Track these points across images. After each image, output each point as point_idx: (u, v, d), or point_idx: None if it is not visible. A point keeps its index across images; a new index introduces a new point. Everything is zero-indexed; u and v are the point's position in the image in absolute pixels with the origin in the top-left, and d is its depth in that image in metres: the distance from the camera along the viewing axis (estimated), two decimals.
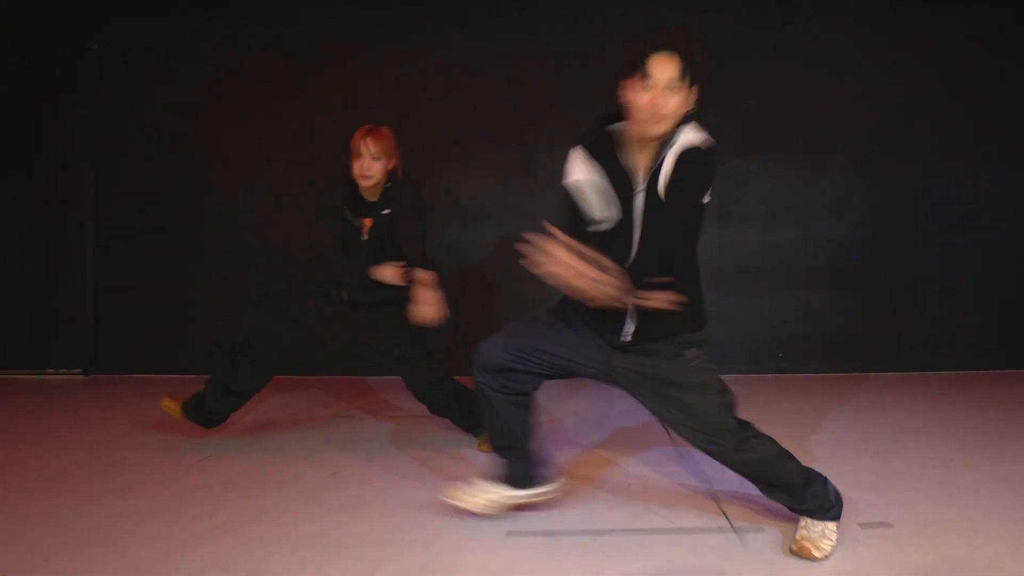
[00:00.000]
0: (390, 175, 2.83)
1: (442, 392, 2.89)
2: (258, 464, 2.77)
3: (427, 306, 2.71)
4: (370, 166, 2.76)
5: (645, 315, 1.92)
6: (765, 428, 2.05)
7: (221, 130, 4.66)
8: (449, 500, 2.22)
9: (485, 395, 2.11)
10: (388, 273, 2.80)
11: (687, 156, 1.84)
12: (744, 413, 2.02)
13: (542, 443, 2.27)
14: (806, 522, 2.00)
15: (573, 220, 1.95)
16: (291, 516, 2.25)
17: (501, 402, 2.10)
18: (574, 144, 2.00)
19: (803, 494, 1.99)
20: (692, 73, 1.86)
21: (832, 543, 1.96)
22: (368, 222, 2.84)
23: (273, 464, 2.77)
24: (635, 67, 1.85)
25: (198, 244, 4.69)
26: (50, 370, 4.62)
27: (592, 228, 1.95)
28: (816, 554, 1.93)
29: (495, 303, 4.61)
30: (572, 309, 2.05)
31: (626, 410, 3.56)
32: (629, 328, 1.98)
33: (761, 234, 4.61)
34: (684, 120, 1.90)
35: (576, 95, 4.46)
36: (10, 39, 4.63)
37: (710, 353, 2.07)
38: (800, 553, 1.95)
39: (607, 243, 1.87)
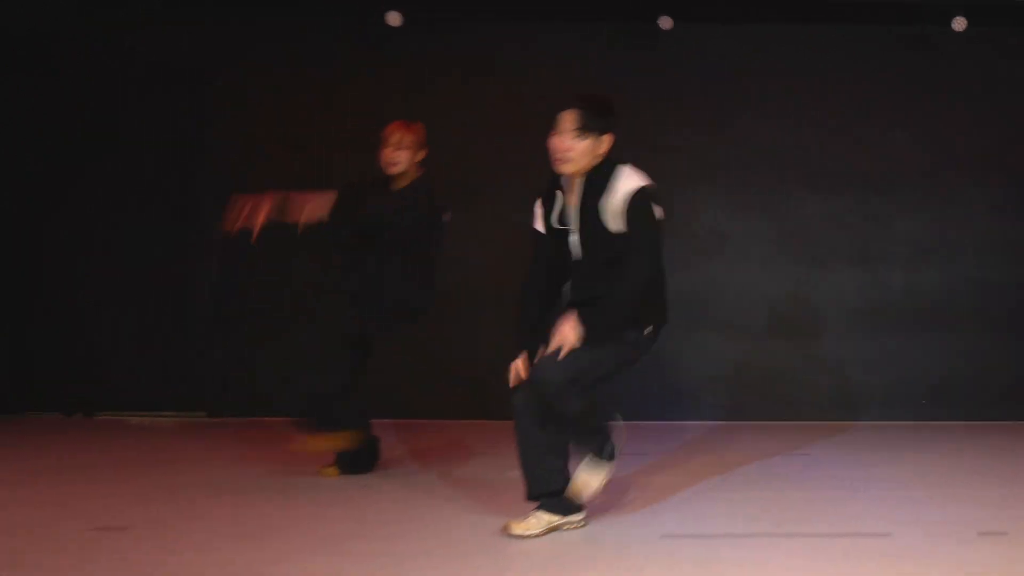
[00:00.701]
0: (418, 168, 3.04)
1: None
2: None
3: None
4: (395, 155, 2.97)
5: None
6: None
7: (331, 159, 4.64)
8: (514, 531, 2.29)
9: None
10: None
11: (635, 198, 2.24)
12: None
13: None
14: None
15: (552, 256, 2.41)
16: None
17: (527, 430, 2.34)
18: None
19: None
20: (595, 126, 2.26)
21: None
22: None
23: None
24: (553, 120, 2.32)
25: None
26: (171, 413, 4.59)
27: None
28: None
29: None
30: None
31: None
32: None
33: (904, 274, 4.53)
34: (612, 163, 2.30)
35: None
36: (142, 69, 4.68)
37: None
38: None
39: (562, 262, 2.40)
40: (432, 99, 4.58)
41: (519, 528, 2.27)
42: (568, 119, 2.28)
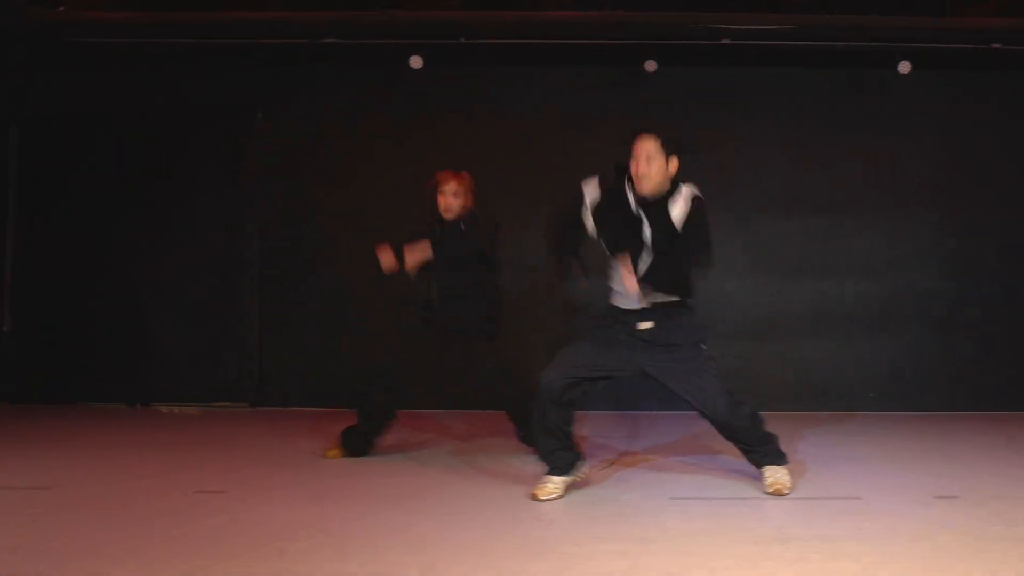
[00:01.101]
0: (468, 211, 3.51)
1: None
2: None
3: None
4: (449, 202, 3.47)
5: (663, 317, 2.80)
6: None
7: (362, 184, 5.28)
8: (539, 496, 2.82)
9: (545, 413, 2.82)
10: None
11: (696, 203, 2.78)
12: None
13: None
14: (771, 469, 2.91)
15: (571, 226, 2.91)
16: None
17: (558, 415, 2.83)
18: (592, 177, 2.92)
19: (766, 446, 2.94)
20: (668, 150, 2.78)
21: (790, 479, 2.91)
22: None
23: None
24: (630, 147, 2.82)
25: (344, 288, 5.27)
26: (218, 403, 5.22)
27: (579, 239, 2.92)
28: (786, 491, 2.85)
29: None
30: (602, 324, 2.91)
31: None
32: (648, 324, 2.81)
33: (857, 284, 5.14)
34: (677, 182, 2.82)
35: None
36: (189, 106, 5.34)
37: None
38: (777, 492, 2.85)
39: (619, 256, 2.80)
40: (441, 133, 5.22)
41: (543, 493, 2.82)
42: (646, 146, 2.78)
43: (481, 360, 3.51)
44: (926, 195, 5.19)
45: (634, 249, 2.78)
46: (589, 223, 2.89)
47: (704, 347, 2.91)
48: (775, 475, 2.92)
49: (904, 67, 5.08)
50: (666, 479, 3.26)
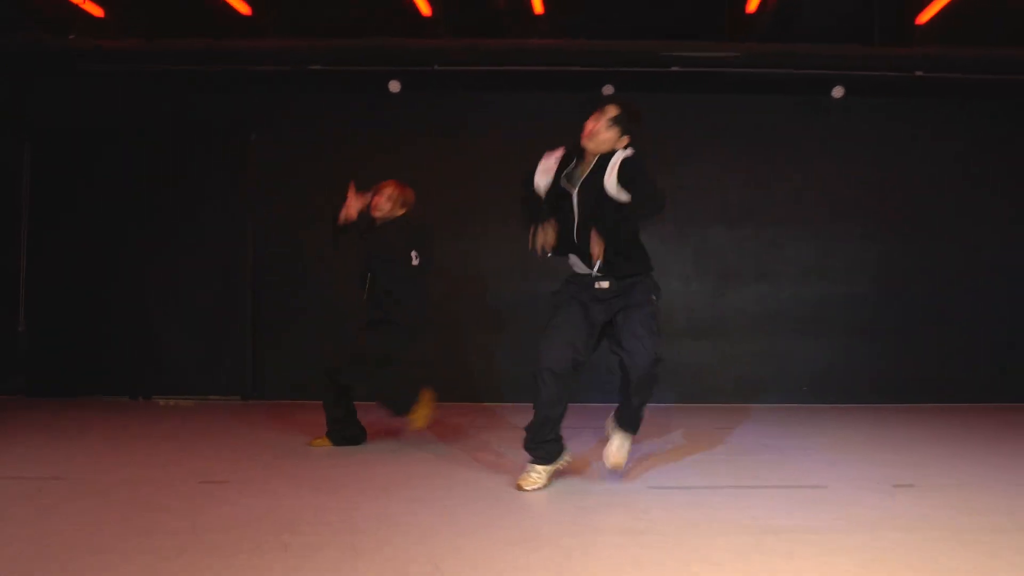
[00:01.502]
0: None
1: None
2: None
3: None
4: (382, 203, 3.90)
5: (609, 266, 2.92)
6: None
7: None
8: (524, 487, 2.93)
9: (553, 399, 2.91)
10: None
11: (626, 160, 2.90)
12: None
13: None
14: (621, 437, 3.06)
15: (531, 195, 3.10)
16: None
17: (557, 398, 2.91)
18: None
19: (639, 411, 3.06)
20: (623, 125, 2.95)
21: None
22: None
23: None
24: (597, 107, 2.99)
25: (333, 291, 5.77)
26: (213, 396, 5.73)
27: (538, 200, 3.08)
28: (622, 468, 3.09)
29: None
30: (569, 286, 3.07)
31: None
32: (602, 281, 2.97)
33: (792, 288, 5.69)
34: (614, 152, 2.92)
35: None
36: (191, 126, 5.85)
37: None
38: (615, 467, 3.06)
39: (560, 215, 2.97)
40: (417, 151, 5.73)
41: (527, 483, 2.92)
42: (609, 109, 2.94)
43: (397, 351, 3.85)
44: (854, 208, 5.74)
45: (565, 213, 2.96)
46: (540, 189, 3.08)
47: (654, 298, 3.03)
48: (621, 448, 3.06)
49: (837, 92, 5.61)
50: (640, 468, 3.39)
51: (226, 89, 5.83)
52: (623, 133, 2.97)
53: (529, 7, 5.12)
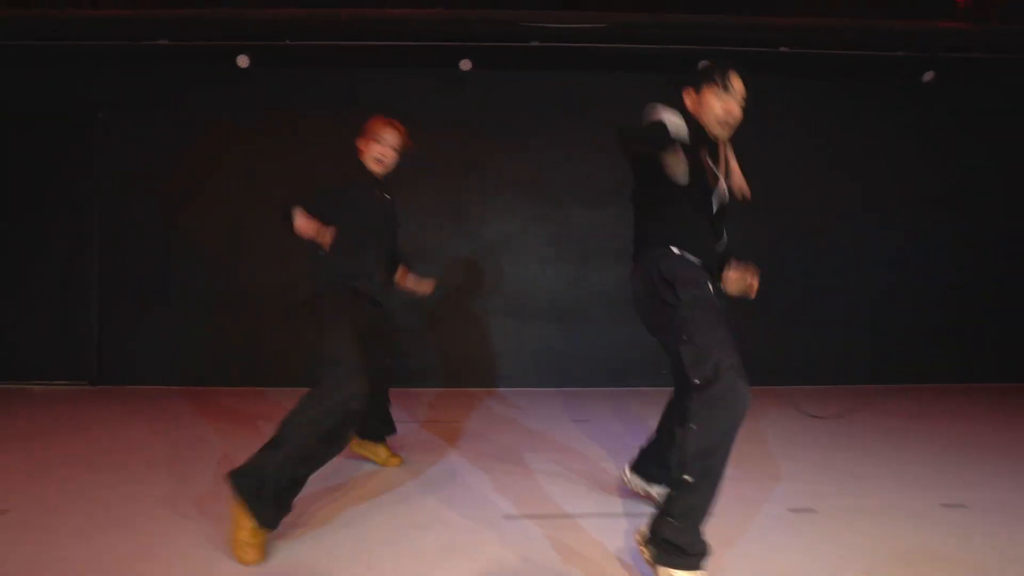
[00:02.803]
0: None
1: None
2: None
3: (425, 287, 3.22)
4: (386, 153, 3.01)
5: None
6: None
7: (203, 176, 5.60)
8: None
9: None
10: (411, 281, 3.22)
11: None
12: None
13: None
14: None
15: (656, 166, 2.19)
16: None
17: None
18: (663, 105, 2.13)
19: None
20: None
21: None
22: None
23: None
24: (715, 77, 2.25)
25: (192, 274, 5.59)
26: (61, 381, 5.52)
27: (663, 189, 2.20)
28: None
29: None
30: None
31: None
32: None
33: None
34: None
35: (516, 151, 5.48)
36: (33, 105, 5.58)
37: None
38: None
39: (689, 214, 2.23)
40: (270, 128, 5.56)
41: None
42: (743, 86, 2.27)
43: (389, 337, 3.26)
44: None
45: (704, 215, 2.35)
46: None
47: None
48: None
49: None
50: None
51: (71, 64, 5.56)
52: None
53: None
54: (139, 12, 5.21)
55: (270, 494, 2.27)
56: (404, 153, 3.11)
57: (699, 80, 2.33)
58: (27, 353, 5.54)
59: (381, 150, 3.01)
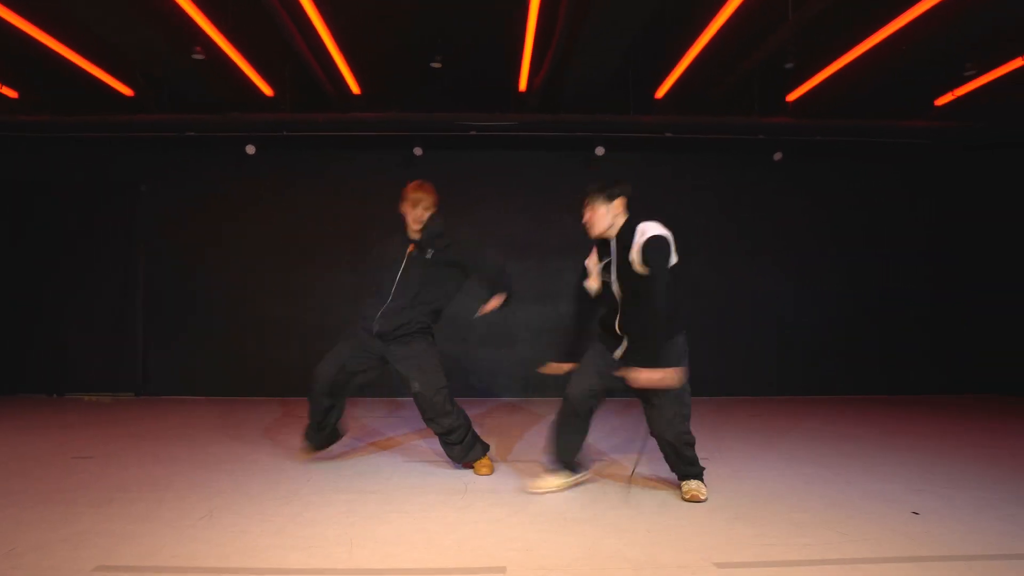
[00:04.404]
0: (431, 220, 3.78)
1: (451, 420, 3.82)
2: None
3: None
4: (416, 215, 3.73)
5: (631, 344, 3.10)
6: None
7: (221, 231, 7.33)
8: (536, 489, 3.38)
9: (567, 426, 3.30)
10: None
11: (649, 243, 2.94)
12: None
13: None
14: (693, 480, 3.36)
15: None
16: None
17: (578, 428, 3.31)
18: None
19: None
20: (607, 196, 3.10)
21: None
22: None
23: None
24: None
25: (213, 309, 7.31)
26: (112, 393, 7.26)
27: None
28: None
29: None
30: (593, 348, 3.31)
31: None
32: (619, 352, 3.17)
33: (567, 306, 7.18)
34: (631, 220, 3.07)
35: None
36: (91, 179, 7.39)
37: None
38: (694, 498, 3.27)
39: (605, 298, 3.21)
40: (273, 199, 7.29)
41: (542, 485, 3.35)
42: (590, 195, 3.11)
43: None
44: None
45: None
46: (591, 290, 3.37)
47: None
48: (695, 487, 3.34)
49: (599, 151, 7.08)
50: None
51: (121, 152, 7.36)
52: (611, 200, 3.11)
53: (348, 89, 6.60)
54: (171, 116, 6.99)
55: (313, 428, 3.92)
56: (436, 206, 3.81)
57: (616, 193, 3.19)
58: (85, 371, 7.29)
59: (413, 214, 3.71)
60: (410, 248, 3.78)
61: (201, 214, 7.39)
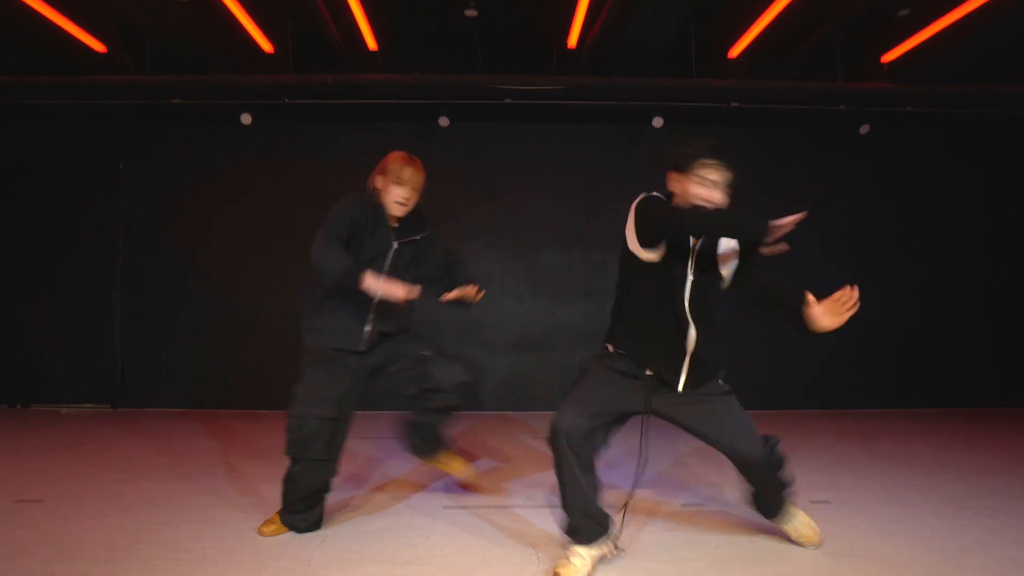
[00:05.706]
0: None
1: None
2: None
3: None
4: (409, 197, 2.82)
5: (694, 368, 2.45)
6: None
7: (212, 217, 6.30)
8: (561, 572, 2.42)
9: (567, 466, 2.44)
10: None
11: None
12: None
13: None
14: (792, 519, 2.72)
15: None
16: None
17: (580, 469, 2.45)
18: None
19: (785, 489, 2.69)
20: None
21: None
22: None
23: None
24: (696, 170, 2.41)
25: (206, 304, 6.28)
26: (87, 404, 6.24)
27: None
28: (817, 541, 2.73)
29: None
30: (608, 364, 2.55)
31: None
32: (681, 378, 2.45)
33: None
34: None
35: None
36: (62, 156, 6.32)
37: None
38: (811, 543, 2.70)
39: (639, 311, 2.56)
40: (270, 177, 6.23)
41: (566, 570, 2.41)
42: (726, 179, 2.47)
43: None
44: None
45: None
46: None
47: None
48: (803, 528, 2.73)
49: (658, 121, 6.04)
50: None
51: (95, 122, 6.28)
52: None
53: (363, 44, 5.54)
54: (152, 78, 5.92)
55: None
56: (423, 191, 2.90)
57: (680, 165, 2.46)
58: (57, 379, 6.27)
59: (404, 194, 2.82)
60: (395, 245, 2.93)
61: (188, 196, 6.33)
